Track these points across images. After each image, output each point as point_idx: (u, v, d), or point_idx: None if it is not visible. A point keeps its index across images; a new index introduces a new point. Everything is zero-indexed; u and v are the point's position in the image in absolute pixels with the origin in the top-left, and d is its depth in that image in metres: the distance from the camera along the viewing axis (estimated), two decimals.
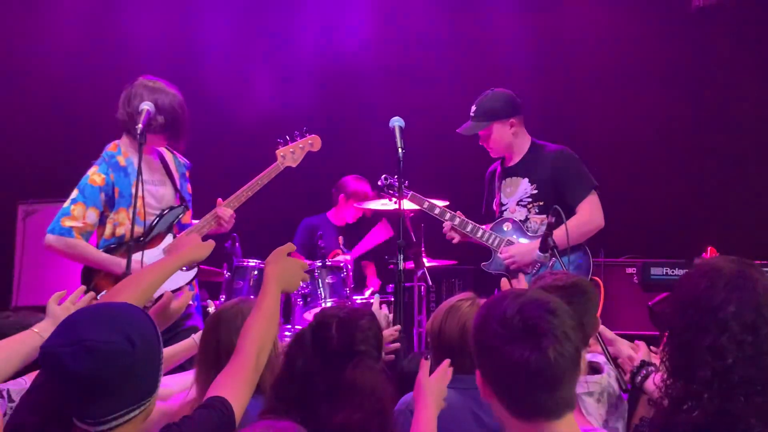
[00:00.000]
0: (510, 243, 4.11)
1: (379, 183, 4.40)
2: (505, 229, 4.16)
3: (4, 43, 6.07)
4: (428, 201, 4.24)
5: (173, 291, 3.66)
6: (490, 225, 4.20)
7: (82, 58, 6.02)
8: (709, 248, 4.13)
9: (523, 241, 4.08)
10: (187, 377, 2.70)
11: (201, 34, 6.32)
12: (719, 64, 5.90)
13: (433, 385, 2.28)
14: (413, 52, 6.39)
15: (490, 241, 4.14)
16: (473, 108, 4.17)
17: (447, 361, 2.40)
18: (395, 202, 4.31)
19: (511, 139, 4.16)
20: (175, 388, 2.64)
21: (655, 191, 5.98)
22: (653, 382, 2.12)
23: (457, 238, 4.19)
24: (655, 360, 2.70)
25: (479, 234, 4.14)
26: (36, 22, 6.12)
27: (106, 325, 1.69)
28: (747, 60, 5.89)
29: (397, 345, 3.01)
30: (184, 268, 3.82)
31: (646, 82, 6.05)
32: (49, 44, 6.07)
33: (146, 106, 3.70)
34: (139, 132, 3.61)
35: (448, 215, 4.16)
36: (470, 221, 4.16)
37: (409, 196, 4.20)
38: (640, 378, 2.66)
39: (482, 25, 6.31)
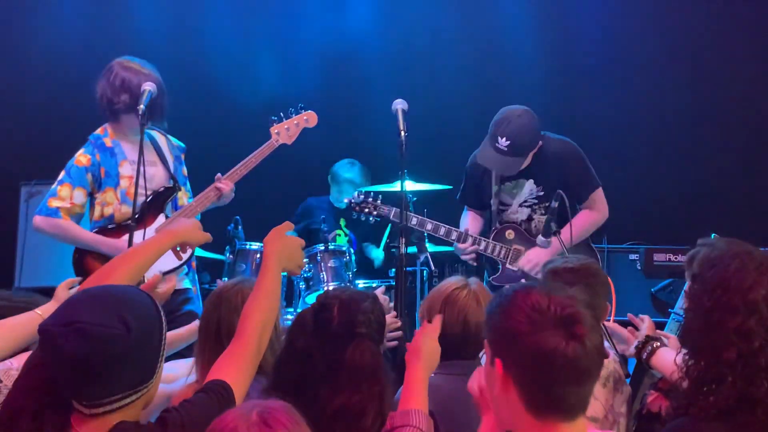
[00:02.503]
0: (518, 252, 4.03)
1: (347, 201, 4.23)
2: (508, 237, 4.08)
3: (8, 26, 6.05)
4: (418, 217, 4.06)
5: (165, 273, 3.71)
6: (491, 235, 4.09)
7: (86, 40, 6.00)
8: (713, 235, 4.11)
9: (530, 246, 4.01)
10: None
11: (204, 18, 6.29)
12: (724, 53, 5.87)
13: (424, 342, 2.24)
14: (418, 36, 6.35)
15: (496, 252, 4.04)
16: (503, 141, 3.79)
17: (438, 317, 2.40)
18: (372, 220, 4.25)
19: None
20: (184, 371, 2.64)
21: (659, 177, 5.96)
22: (675, 362, 2.11)
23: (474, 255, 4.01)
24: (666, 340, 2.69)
25: (482, 246, 4.02)
26: (40, 4, 6.09)
27: (102, 308, 1.67)
28: (754, 50, 5.86)
29: (399, 333, 3.00)
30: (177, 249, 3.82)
31: (651, 69, 6.02)
32: (53, 27, 6.04)
33: (148, 86, 3.69)
34: (140, 113, 3.59)
35: (454, 235, 4.00)
36: (471, 234, 4.02)
37: (392, 213, 4.06)
38: (645, 354, 2.65)
39: (487, 11, 6.27)
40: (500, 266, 4.08)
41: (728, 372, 1.92)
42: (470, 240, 4.00)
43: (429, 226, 4.05)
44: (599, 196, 4.11)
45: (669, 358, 2.41)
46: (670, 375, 2.34)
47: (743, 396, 1.90)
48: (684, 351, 2.07)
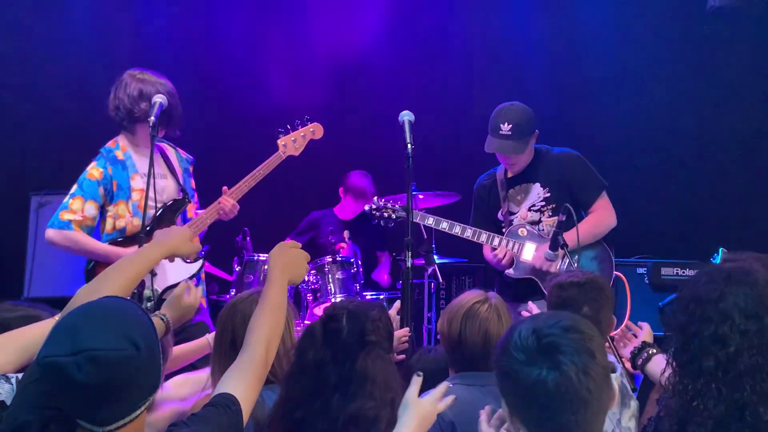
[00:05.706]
0: (531, 248, 4.08)
1: (367, 209, 4.26)
2: (521, 234, 4.13)
3: (20, 36, 6.09)
4: (434, 217, 4.11)
5: (173, 286, 3.70)
6: (506, 231, 4.16)
7: (97, 50, 6.03)
8: (721, 249, 4.10)
9: (542, 243, 4.05)
10: (202, 376, 2.70)
11: (215, 27, 6.32)
12: (732, 64, 5.86)
13: (424, 408, 2.11)
14: (426, 47, 6.38)
15: (510, 246, 4.10)
16: (506, 126, 3.98)
17: (444, 385, 2.27)
18: (392, 224, 4.27)
19: (532, 151, 4.14)
20: (192, 390, 2.64)
21: (667, 191, 5.96)
22: (666, 379, 2.12)
23: (507, 259, 4.05)
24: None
25: (496, 242, 4.09)
26: (52, 14, 6.13)
27: (108, 330, 1.60)
28: (761, 61, 5.85)
29: (405, 346, 3.02)
30: (188, 261, 3.83)
31: (659, 81, 6.02)
32: (64, 37, 6.08)
33: (159, 98, 3.71)
34: (151, 124, 3.61)
35: (469, 232, 4.05)
36: (484, 231, 4.10)
37: (417, 217, 4.09)
38: (641, 360, 2.64)
39: (495, 22, 6.29)
40: (515, 260, 4.12)
41: (711, 380, 1.94)
42: (484, 236, 4.07)
43: (444, 225, 4.12)
44: (605, 200, 4.17)
45: (663, 364, 2.41)
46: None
47: (730, 403, 1.92)
48: (669, 370, 2.09)
